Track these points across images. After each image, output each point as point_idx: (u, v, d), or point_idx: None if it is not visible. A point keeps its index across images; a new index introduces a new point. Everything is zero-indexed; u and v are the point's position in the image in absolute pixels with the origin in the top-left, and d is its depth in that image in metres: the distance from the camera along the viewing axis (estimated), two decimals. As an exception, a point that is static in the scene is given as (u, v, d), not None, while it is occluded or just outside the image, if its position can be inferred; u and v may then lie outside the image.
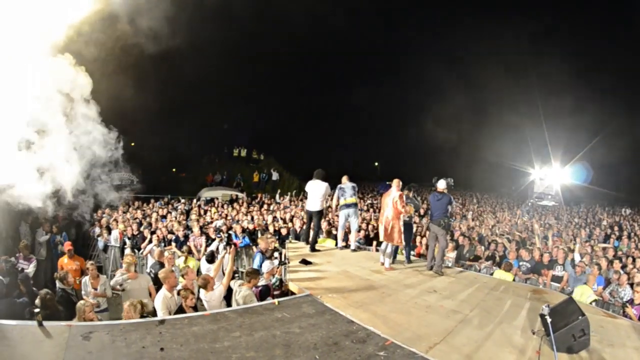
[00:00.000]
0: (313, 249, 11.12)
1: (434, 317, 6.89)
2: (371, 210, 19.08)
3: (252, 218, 15.69)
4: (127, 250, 12.04)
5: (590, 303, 9.15)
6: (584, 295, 9.43)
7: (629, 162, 32.62)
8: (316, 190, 11.36)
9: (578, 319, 6.06)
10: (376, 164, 56.37)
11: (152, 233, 13.00)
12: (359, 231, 11.99)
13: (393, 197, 9.95)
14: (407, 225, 10.61)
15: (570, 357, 5.94)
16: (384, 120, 51.55)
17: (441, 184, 10.30)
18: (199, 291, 7.63)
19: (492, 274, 10.80)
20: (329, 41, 43.84)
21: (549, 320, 5.57)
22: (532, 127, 36.00)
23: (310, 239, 11.42)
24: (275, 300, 6.88)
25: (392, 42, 48.79)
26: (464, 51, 42.84)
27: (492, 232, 15.18)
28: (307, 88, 46.34)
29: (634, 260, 11.73)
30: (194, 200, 20.10)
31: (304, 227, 12.32)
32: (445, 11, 43.98)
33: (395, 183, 10.20)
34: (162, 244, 12.11)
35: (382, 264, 9.91)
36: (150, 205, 18.85)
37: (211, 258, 9.38)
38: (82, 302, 6.90)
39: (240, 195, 24.98)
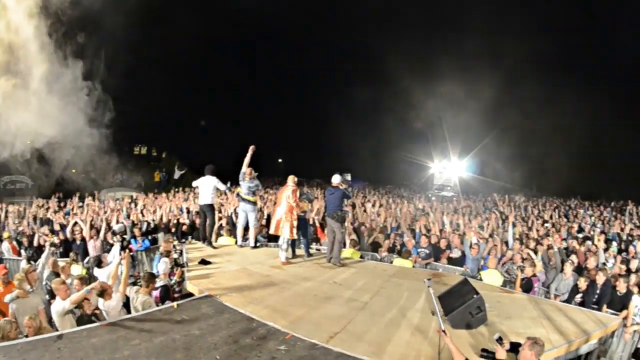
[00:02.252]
0: (210, 244, 11.24)
1: (334, 307, 7.04)
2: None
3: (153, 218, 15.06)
4: (23, 263, 11.22)
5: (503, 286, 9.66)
6: (492, 278, 9.85)
7: (522, 156, 34.59)
8: (205, 184, 11.34)
9: (473, 297, 6.51)
10: (280, 160, 56.02)
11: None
12: (257, 227, 11.83)
13: (286, 193, 10.05)
14: (303, 220, 10.83)
15: (471, 332, 6.30)
16: (288, 115, 51.06)
17: (335, 179, 10.38)
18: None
19: (392, 262, 11.05)
20: (229, 32, 42.78)
21: (431, 291, 5.88)
22: (432, 122, 37.33)
23: (207, 234, 11.43)
24: (174, 304, 6.77)
25: (297, 37, 48.29)
26: (364, 46, 43.35)
27: (391, 222, 15.52)
28: (209, 82, 44.83)
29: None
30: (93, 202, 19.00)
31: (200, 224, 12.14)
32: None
33: (290, 179, 10.26)
34: (59, 252, 11.39)
35: (284, 262, 9.91)
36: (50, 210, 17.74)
37: (99, 263, 9.01)
38: (4, 319, 6.42)
39: (140, 195, 24.09)
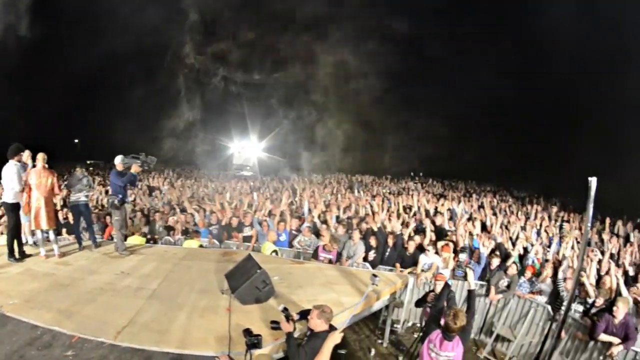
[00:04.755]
0: (11, 255, 8.69)
1: (121, 300, 6.91)
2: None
3: None
4: None
5: (271, 254, 10.37)
6: (267, 249, 10.54)
7: (320, 137, 36.42)
8: (5, 174, 8.80)
9: (256, 272, 6.89)
10: (76, 140, 50.66)
11: None
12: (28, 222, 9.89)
13: (49, 178, 8.84)
14: (85, 206, 10.04)
15: (262, 306, 6.74)
16: (87, 91, 45.28)
17: (117, 160, 9.70)
18: None
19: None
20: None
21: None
22: (232, 102, 37.26)
23: (6, 241, 8.87)
24: None
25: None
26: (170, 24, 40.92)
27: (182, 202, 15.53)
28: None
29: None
30: None
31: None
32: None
33: (40, 158, 8.86)
34: None
35: (59, 255, 9.09)
36: None
37: None
38: None
39: None
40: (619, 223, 15.53)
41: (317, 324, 5.23)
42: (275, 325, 5.41)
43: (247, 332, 5.14)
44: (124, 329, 5.84)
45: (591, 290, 8.67)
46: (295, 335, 5.44)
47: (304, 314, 5.72)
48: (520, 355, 9.36)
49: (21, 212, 9.05)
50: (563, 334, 8.27)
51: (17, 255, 8.82)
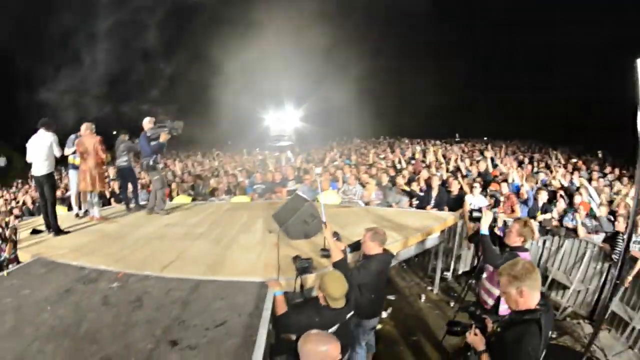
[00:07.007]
0: (57, 232, 7.98)
1: (168, 243, 7.01)
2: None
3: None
4: None
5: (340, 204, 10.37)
6: (329, 198, 10.27)
7: (351, 108, 36.01)
8: (38, 145, 7.87)
9: (304, 205, 6.80)
10: None
11: None
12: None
13: (92, 144, 8.67)
14: (130, 170, 10.05)
15: (309, 241, 6.66)
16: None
17: (144, 122, 9.39)
18: None
19: (230, 202, 11.18)
20: None
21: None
22: (264, 72, 36.31)
23: (50, 218, 8.08)
24: (4, 272, 6.30)
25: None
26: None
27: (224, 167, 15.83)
28: None
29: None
30: None
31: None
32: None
33: (86, 127, 8.75)
34: None
35: (99, 218, 9.03)
36: None
37: None
38: None
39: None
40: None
41: (371, 246, 5.09)
42: (325, 253, 5.31)
43: (297, 258, 5.09)
44: (171, 263, 5.90)
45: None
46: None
47: (355, 246, 5.59)
48: (576, 305, 8.64)
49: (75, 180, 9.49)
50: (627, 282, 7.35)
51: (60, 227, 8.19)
